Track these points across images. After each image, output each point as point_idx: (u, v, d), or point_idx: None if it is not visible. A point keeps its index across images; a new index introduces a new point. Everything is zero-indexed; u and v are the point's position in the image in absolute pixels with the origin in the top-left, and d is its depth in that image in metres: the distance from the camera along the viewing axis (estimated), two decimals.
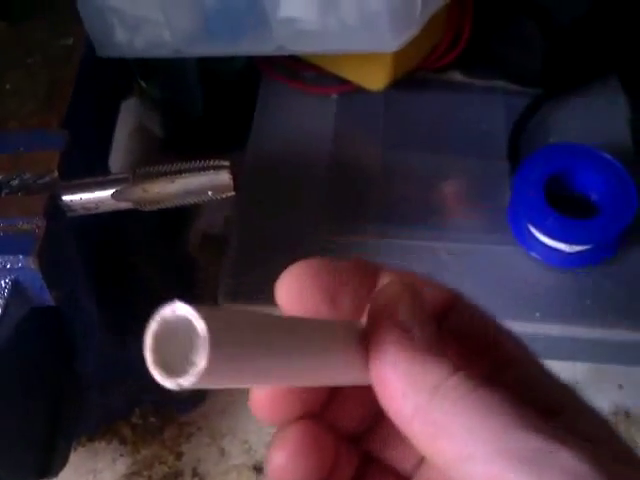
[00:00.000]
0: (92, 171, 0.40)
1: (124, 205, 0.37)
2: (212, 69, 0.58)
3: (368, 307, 0.24)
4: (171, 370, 0.18)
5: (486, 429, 0.21)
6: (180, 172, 0.36)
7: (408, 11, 0.45)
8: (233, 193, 0.36)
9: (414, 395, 0.22)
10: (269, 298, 0.52)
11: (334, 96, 0.62)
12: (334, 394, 0.26)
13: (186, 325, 0.18)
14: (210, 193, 0.36)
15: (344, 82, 0.62)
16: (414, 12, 0.46)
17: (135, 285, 0.52)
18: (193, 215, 0.62)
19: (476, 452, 0.21)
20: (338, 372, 0.23)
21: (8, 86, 0.49)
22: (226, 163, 0.36)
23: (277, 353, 0.20)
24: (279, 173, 0.58)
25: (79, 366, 0.49)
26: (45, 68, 0.48)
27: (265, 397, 0.25)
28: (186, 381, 0.18)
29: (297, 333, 0.21)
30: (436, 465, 0.22)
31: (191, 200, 0.36)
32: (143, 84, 0.55)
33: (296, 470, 0.24)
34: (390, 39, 0.46)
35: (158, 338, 0.19)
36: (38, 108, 0.46)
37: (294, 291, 0.25)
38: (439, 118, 0.62)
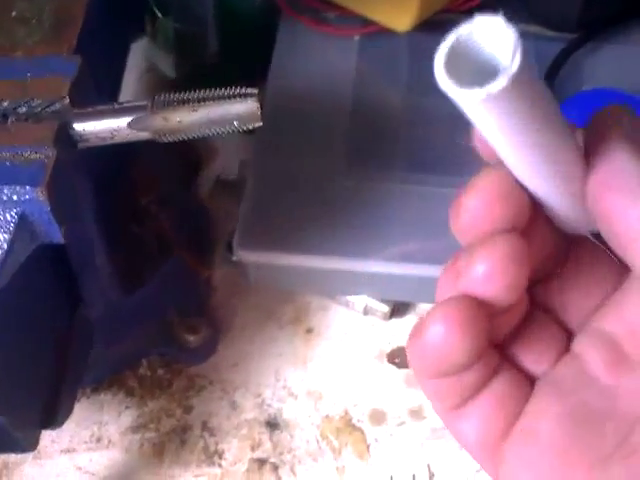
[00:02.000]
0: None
1: (142, 135, 0.34)
2: (229, 4, 0.54)
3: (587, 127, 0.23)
4: (466, 84, 0.19)
5: None
6: (203, 100, 0.33)
7: None
8: (260, 123, 0.33)
9: None
10: (287, 246, 0.50)
11: (356, 37, 0.59)
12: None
13: (493, 42, 0.19)
14: (236, 123, 0.33)
15: (367, 23, 0.59)
16: None
17: (146, 229, 0.50)
18: (207, 159, 0.59)
19: None
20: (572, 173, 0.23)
21: (14, 13, 0.45)
22: (254, 91, 0.33)
23: (548, 118, 0.21)
24: (297, 116, 0.55)
25: (86, 312, 0.47)
26: None
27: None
28: (496, 86, 0.18)
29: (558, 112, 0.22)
30: None
31: (215, 130, 0.34)
32: (159, 14, 0.52)
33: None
34: None
35: (454, 48, 0.19)
36: (46, 38, 0.43)
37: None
38: None
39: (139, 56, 0.63)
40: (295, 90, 0.56)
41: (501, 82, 0.18)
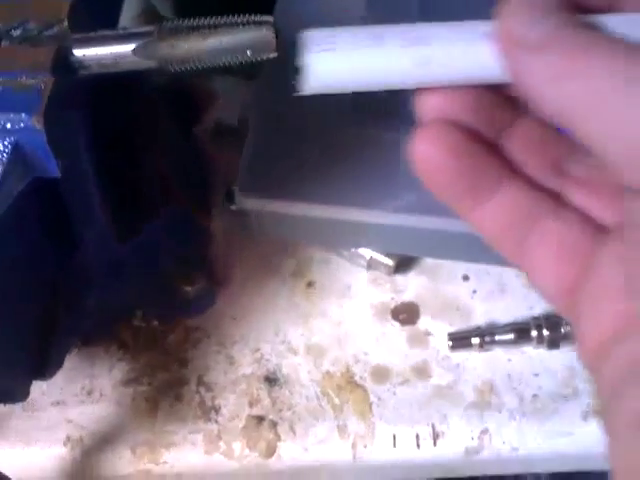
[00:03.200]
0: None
1: (147, 63, 0.31)
2: None
3: None
4: None
5: None
6: (214, 27, 0.31)
7: None
8: (275, 54, 0.31)
9: (558, 57, 0.22)
10: (290, 194, 0.47)
11: None
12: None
13: None
14: (249, 52, 0.31)
15: None
16: None
17: (145, 173, 0.47)
18: (206, 103, 0.56)
19: None
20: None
21: None
22: (269, 19, 0.31)
23: None
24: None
25: (79, 258, 0.44)
26: None
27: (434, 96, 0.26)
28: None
29: None
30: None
31: (226, 59, 0.31)
32: None
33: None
34: None
35: None
36: None
37: None
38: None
39: None
40: (301, 28, 0.53)
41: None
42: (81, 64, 0.31)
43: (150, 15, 0.60)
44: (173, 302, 0.50)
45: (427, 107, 0.26)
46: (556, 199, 0.26)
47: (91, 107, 0.37)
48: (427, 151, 0.25)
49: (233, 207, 0.51)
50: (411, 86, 0.26)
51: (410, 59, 0.25)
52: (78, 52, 0.31)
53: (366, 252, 0.51)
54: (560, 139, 0.27)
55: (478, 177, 0.26)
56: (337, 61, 0.26)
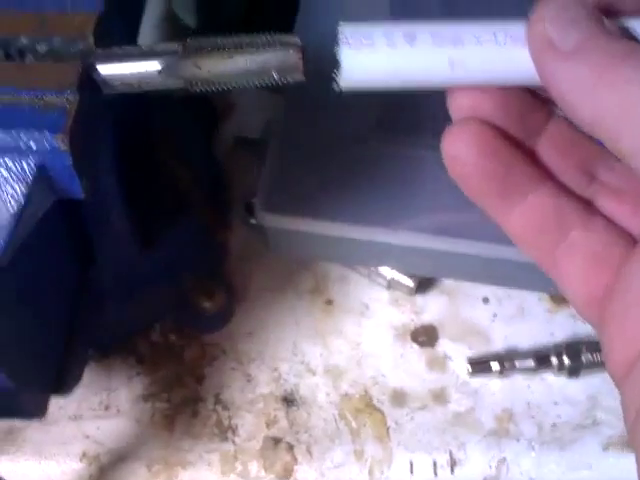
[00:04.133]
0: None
1: (172, 83, 0.31)
2: None
3: None
4: None
5: None
6: (240, 47, 0.30)
7: None
8: (302, 77, 0.30)
9: (595, 63, 0.22)
10: (311, 212, 0.47)
11: None
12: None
13: None
14: (275, 74, 0.30)
15: None
16: None
17: (163, 185, 0.47)
18: (223, 115, 0.56)
19: None
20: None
21: None
22: (296, 40, 0.30)
23: None
24: (327, 73, 0.51)
25: (98, 272, 0.44)
26: None
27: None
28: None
29: None
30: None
31: (251, 81, 0.30)
32: None
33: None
34: None
35: None
36: None
37: None
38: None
39: (158, 1, 0.60)
40: (324, 44, 0.52)
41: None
42: (105, 82, 0.31)
43: (171, 24, 0.60)
44: (191, 317, 0.50)
45: (459, 106, 0.26)
46: (586, 206, 0.26)
47: (114, 122, 0.36)
48: (458, 149, 0.25)
49: (253, 221, 0.51)
50: (443, 87, 0.26)
51: (443, 60, 0.25)
52: (103, 69, 0.31)
53: (387, 271, 0.50)
54: (592, 144, 0.26)
55: (509, 179, 0.26)
56: (373, 59, 0.25)
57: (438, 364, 0.49)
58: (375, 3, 0.54)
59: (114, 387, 0.49)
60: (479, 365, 0.48)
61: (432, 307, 0.51)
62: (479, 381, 0.49)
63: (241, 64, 0.30)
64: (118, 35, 0.34)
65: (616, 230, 0.26)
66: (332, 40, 0.27)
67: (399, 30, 0.25)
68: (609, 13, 0.24)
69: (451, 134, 0.26)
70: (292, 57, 0.30)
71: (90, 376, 0.48)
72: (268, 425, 0.48)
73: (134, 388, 0.49)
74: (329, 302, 0.51)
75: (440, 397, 0.48)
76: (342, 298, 0.51)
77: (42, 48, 0.31)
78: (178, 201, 0.48)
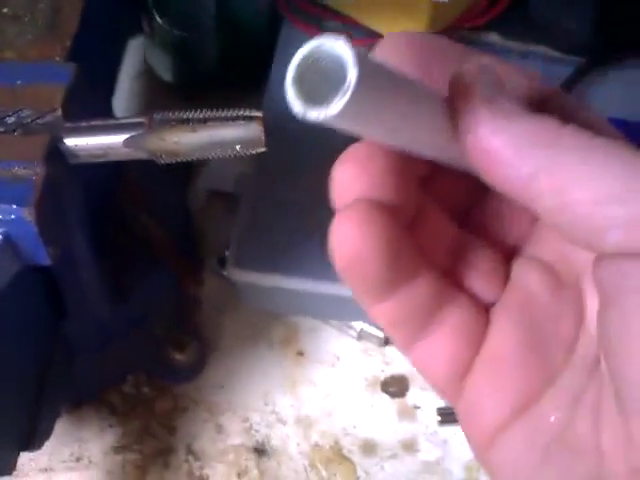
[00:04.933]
0: (94, 114, 0.34)
1: (138, 155, 0.32)
2: (231, 10, 0.52)
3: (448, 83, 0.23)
4: (311, 104, 0.19)
5: (619, 172, 0.20)
6: (204, 120, 0.31)
7: None
8: (264, 149, 0.31)
9: (530, 155, 0.21)
10: (283, 268, 0.47)
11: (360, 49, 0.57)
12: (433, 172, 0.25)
13: (335, 61, 0.19)
14: (238, 147, 0.31)
15: (372, 34, 0.56)
16: None
17: (133, 239, 0.48)
18: (200, 168, 0.57)
19: (612, 192, 0.20)
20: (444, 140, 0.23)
21: (6, 10, 0.43)
22: (258, 114, 0.31)
23: (405, 111, 0.21)
24: (298, 131, 0.52)
25: (69, 329, 0.44)
26: None
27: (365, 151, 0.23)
28: (331, 110, 0.18)
29: (419, 94, 0.22)
30: (558, 226, 0.22)
31: (215, 153, 0.31)
32: (158, 18, 0.50)
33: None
34: None
35: (301, 68, 0.19)
36: (39, 38, 0.41)
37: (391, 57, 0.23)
38: None
39: (135, 54, 0.61)
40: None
41: (336, 107, 0.18)
42: (72, 153, 0.32)
43: (148, 77, 0.61)
44: (163, 368, 0.50)
45: (345, 181, 0.24)
46: (451, 281, 0.25)
47: (82, 188, 0.37)
48: (347, 237, 0.23)
49: (225, 273, 0.51)
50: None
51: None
52: (70, 142, 0.32)
53: (357, 323, 0.51)
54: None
55: (397, 268, 0.23)
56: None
57: (408, 414, 0.50)
58: None
59: (85, 438, 0.49)
60: (449, 415, 0.49)
61: (402, 357, 0.51)
62: (449, 430, 0.49)
63: (205, 137, 0.31)
64: (90, 103, 0.35)
65: (474, 301, 0.25)
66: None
67: None
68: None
69: (341, 219, 0.23)
70: (254, 130, 0.31)
71: (61, 428, 0.49)
72: (239, 475, 0.48)
73: (106, 439, 0.49)
74: (300, 353, 0.52)
75: (410, 447, 0.49)
76: (313, 349, 0.52)
77: (11, 120, 0.32)
78: (150, 255, 0.49)
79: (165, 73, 0.59)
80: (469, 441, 0.25)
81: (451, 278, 0.25)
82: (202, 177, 0.57)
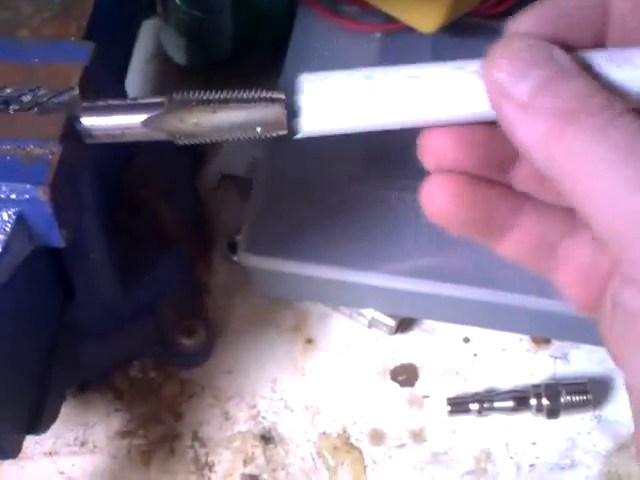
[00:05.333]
0: (107, 96, 0.34)
1: (156, 135, 0.31)
2: None
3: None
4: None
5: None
6: (225, 101, 0.30)
7: None
8: (285, 132, 0.31)
9: (545, 116, 0.22)
10: (295, 254, 0.47)
11: (377, 34, 0.56)
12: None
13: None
14: (259, 129, 0.30)
15: (389, 20, 0.56)
16: None
17: (144, 223, 0.47)
18: (213, 152, 0.56)
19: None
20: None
21: None
22: (280, 95, 0.30)
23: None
24: None
25: (77, 312, 0.44)
26: None
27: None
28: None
29: None
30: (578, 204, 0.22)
31: (235, 135, 0.31)
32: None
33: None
34: None
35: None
36: (55, 17, 0.40)
37: None
38: None
39: (149, 36, 0.60)
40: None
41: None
42: (89, 133, 0.31)
43: (161, 60, 0.61)
44: (171, 353, 0.50)
45: (429, 153, 0.26)
46: (571, 217, 0.27)
47: (96, 169, 0.36)
48: (437, 205, 0.26)
49: (235, 258, 0.51)
50: (404, 125, 0.26)
51: (399, 96, 0.25)
52: (87, 121, 0.31)
53: (368, 311, 0.50)
54: None
55: (492, 217, 0.27)
56: (329, 101, 0.26)
57: (417, 403, 0.49)
58: (365, 52, 0.55)
59: (91, 423, 0.49)
60: (458, 405, 0.49)
61: (413, 346, 0.51)
62: (457, 421, 0.49)
63: (225, 119, 0.30)
64: (104, 84, 0.34)
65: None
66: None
67: (357, 72, 0.26)
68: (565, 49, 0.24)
69: (427, 191, 0.26)
70: (276, 113, 0.30)
71: (67, 411, 0.48)
72: (245, 462, 0.48)
73: (112, 424, 0.49)
74: (310, 340, 0.51)
75: (418, 436, 0.49)
76: (323, 336, 0.51)
77: (27, 98, 0.32)
78: (161, 239, 0.48)
79: (179, 56, 0.58)
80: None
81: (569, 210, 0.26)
82: (215, 161, 0.56)
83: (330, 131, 0.26)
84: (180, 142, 0.31)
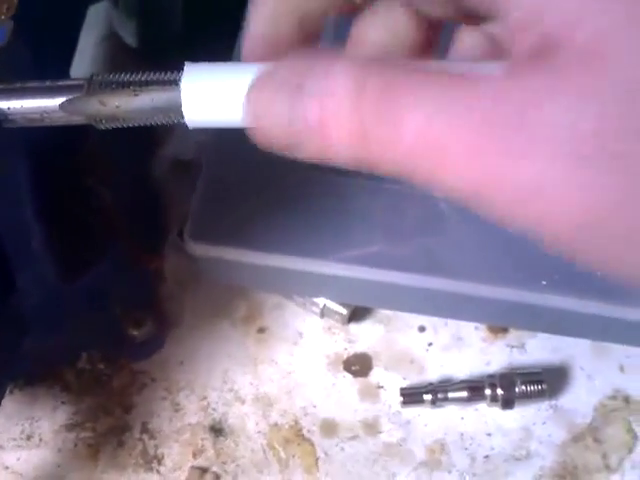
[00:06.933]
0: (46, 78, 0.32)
1: (75, 119, 0.30)
2: None
3: None
4: None
5: None
6: (148, 83, 0.29)
7: None
8: None
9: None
10: (242, 241, 0.46)
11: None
12: None
13: None
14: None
15: None
16: None
17: (91, 211, 0.46)
18: (162, 136, 0.55)
19: None
20: None
21: None
22: None
23: None
24: None
25: (17, 302, 0.43)
26: None
27: None
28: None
29: None
30: None
31: (158, 120, 0.29)
32: None
33: None
34: None
35: None
36: None
37: None
38: None
39: (98, 19, 0.59)
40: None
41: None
42: (6, 117, 0.30)
43: (112, 42, 0.59)
44: (120, 345, 0.49)
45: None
46: None
47: (29, 150, 0.35)
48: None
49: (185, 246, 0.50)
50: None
51: None
52: (2, 104, 0.30)
53: (320, 299, 0.49)
54: None
55: None
56: (216, 93, 0.26)
57: (371, 394, 0.49)
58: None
59: (37, 416, 0.48)
60: (411, 396, 0.48)
61: (366, 335, 0.50)
62: (412, 411, 0.48)
63: (147, 101, 0.29)
64: (25, 67, 0.33)
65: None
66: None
67: (240, 66, 0.26)
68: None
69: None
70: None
71: (13, 405, 0.47)
72: (195, 455, 0.47)
73: (58, 417, 0.48)
74: (262, 330, 0.50)
75: (372, 427, 0.48)
76: (276, 326, 0.50)
77: None
78: (107, 228, 0.47)
79: (129, 37, 0.57)
80: None
81: None
82: (167, 146, 0.54)
83: (209, 124, 0.27)
84: (102, 126, 0.30)
